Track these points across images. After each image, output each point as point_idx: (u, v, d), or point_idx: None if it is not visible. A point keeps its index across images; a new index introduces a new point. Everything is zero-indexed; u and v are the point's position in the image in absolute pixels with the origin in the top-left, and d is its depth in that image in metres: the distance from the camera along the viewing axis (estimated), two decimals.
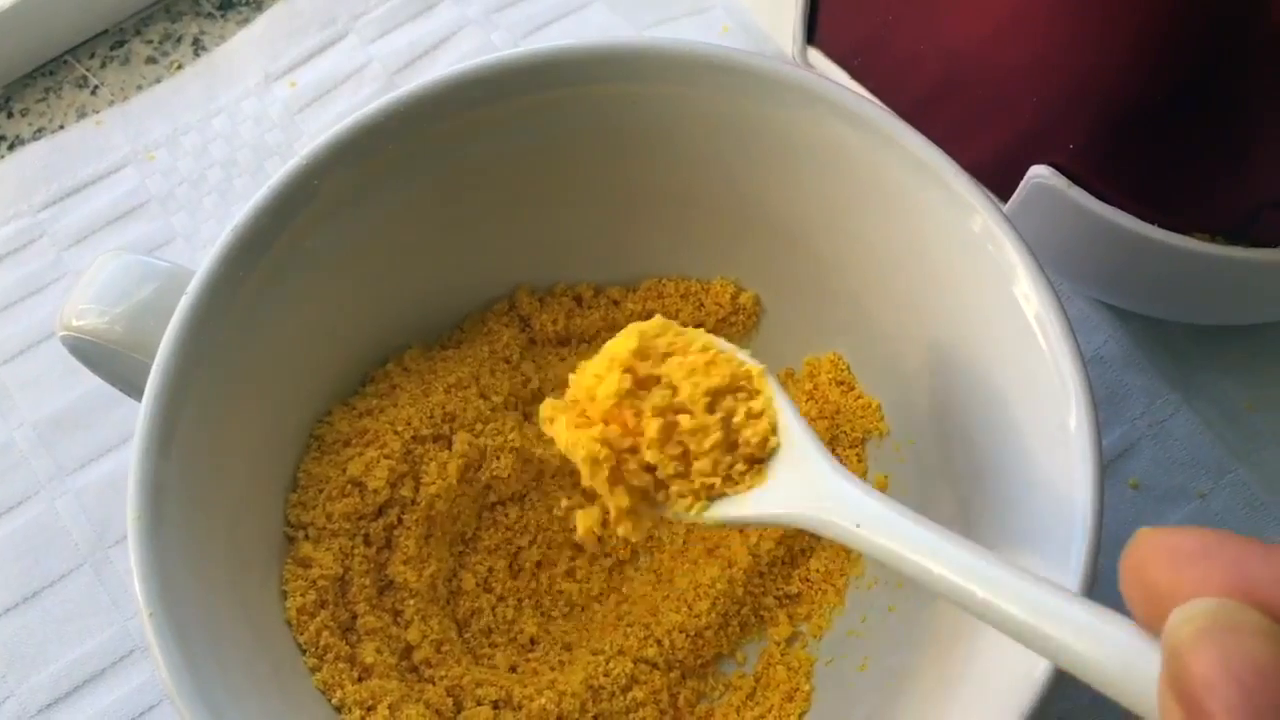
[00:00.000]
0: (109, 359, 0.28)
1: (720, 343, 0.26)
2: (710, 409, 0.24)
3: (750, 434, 0.24)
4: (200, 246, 0.39)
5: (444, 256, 0.32)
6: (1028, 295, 0.25)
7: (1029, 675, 0.23)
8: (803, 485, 0.24)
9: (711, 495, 0.24)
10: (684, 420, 0.24)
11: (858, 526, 0.22)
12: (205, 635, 0.25)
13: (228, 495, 0.27)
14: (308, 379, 0.30)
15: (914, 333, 0.30)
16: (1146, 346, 0.36)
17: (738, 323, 0.34)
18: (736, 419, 0.24)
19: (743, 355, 0.26)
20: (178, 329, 0.26)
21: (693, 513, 0.24)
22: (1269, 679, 0.14)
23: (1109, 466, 0.35)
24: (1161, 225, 0.30)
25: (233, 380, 0.27)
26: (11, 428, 0.36)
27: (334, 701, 0.28)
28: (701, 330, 0.26)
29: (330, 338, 0.31)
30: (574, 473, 0.27)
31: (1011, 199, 0.32)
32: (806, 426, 0.24)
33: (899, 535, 0.21)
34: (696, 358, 0.25)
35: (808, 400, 0.33)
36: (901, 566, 0.21)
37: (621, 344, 0.25)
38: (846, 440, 0.33)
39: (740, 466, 0.24)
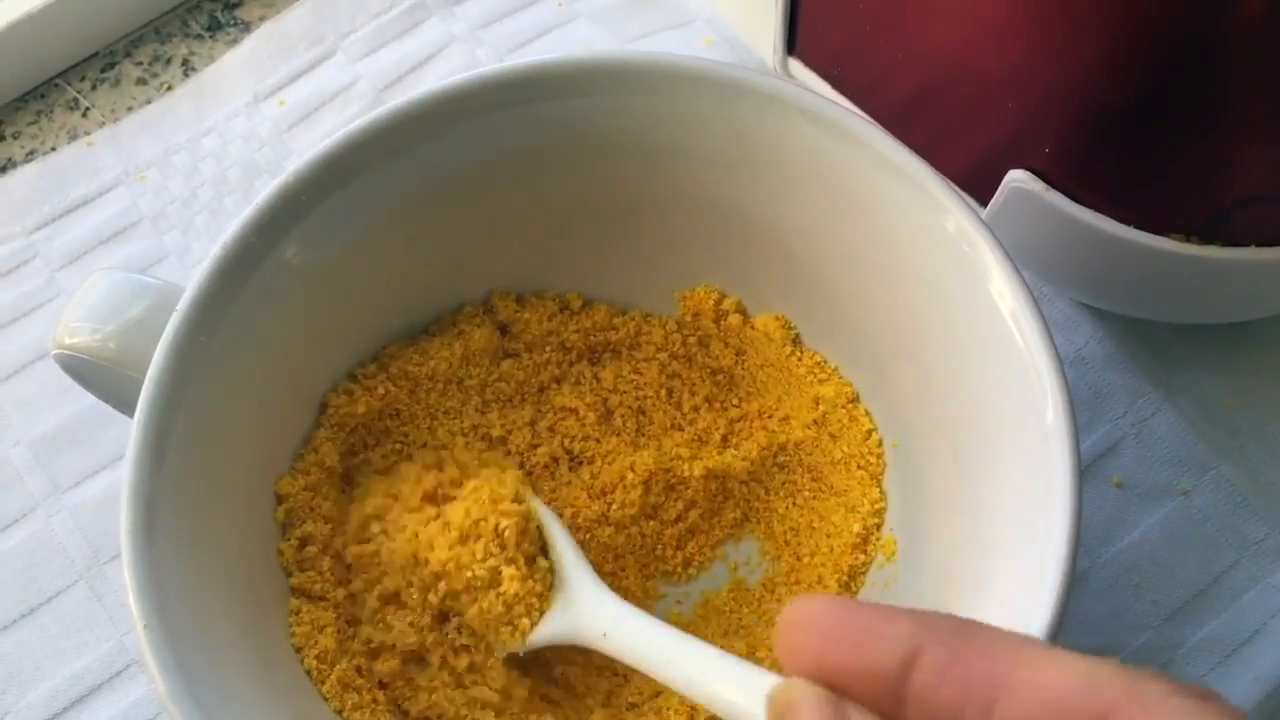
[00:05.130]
0: (102, 376, 0.28)
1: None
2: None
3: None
4: (192, 264, 0.40)
5: (428, 263, 0.33)
6: (1003, 293, 0.26)
7: None
8: (577, 609, 0.28)
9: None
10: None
11: (604, 637, 0.27)
12: (201, 647, 0.25)
13: (221, 508, 0.28)
14: (296, 389, 0.31)
15: (894, 335, 0.31)
16: (1128, 346, 0.37)
17: (722, 329, 0.35)
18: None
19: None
20: (169, 345, 0.26)
21: (512, 645, 0.29)
22: None
23: (1093, 465, 0.35)
24: (1137, 226, 0.30)
25: (223, 394, 0.28)
26: (7, 446, 0.37)
27: (337, 708, 0.28)
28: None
29: (317, 347, 0.31)
30: None
31: (990, 204, 0.32)
32: (575, 550, 0.29)
33: (635, 642, 0.27)
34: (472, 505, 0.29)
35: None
36: (637, 666, 0.26)
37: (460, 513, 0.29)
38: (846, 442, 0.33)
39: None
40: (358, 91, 0.43)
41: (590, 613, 0.28)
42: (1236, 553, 0.34)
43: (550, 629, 0.28)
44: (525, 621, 0.28)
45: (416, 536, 0.29)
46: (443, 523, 0.29)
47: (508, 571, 0.28)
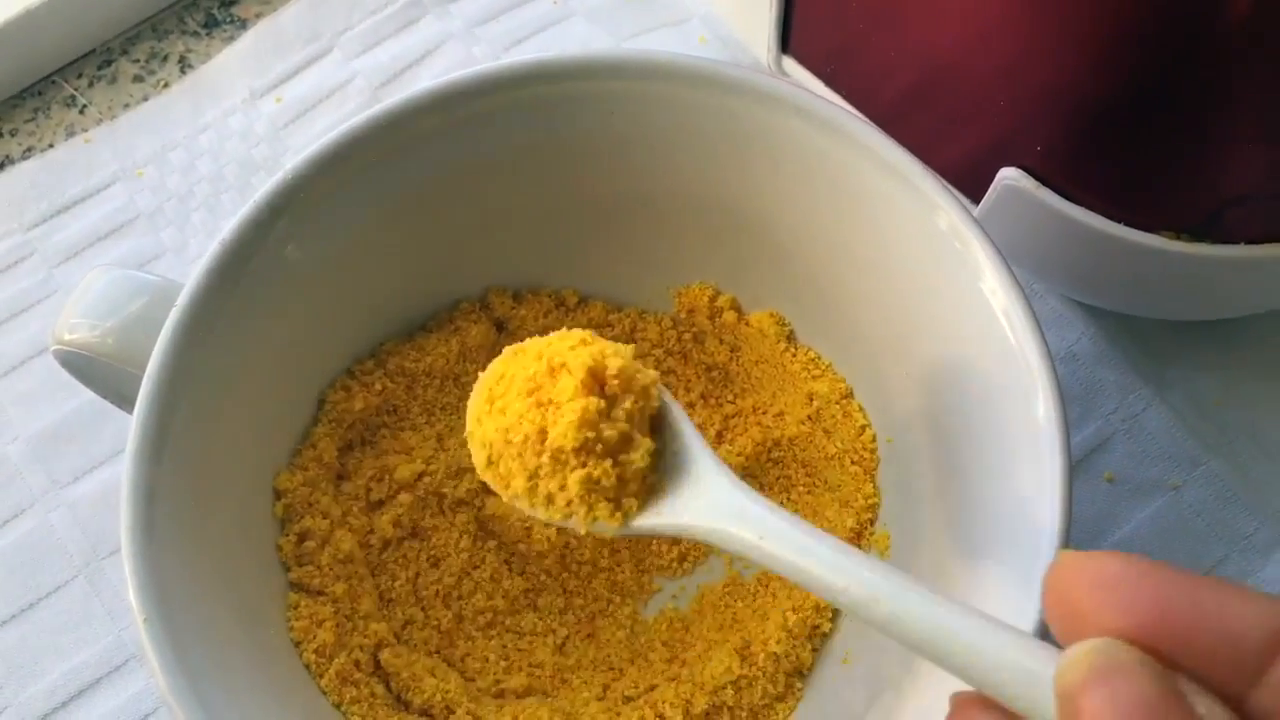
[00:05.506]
0: (101, 372, 0.29)
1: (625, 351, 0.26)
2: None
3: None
4: (189, 260, 0.40)
5: (425, 260, 0.33)
6: (994, 290, 0.26)
7: None
8: (705, 499, 0.24)
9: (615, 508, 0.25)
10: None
11: (760, 539, 0.23)
12: (200, 642, 0.25)
13: (220, 503, 0.28)
14: (295, 385, 0.31)
15: (887, 331, 0.31)
16: (1119, 343, 0.37)
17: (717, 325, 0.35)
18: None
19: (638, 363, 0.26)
20: (168, 341, 0.27)
21: (603, 524, 0.25)
22: (1155, 713, 0.15)
23: (1085, 461, 0.36)
24: (1128, 224, 0.31)
25: (222, 390, 0.28)
26: (5, 442, 0.37)
27: (335, 702, 0.28)
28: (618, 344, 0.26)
29: (315, 344, 0.31)
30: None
31: (983, 201, 0.33)
32: (705, 445, 0.25)
33: (801, 548, 0.22)
34: (624, 363, 0.25)
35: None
36: (804, 580, 0.22)
37: (561, 344, 0.25)
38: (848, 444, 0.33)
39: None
40: (354, 88, 0.43)
41: (728, 506, 0.24)
42: (1226, 547, 0.34)
43: (662, 517, 0.25)
44: (632, 502, 0.25)
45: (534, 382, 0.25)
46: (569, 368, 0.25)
47: (643, 442, 0.25)
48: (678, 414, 0.26)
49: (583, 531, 0.25)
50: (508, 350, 0.27)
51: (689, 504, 0.24)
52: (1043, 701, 0.17)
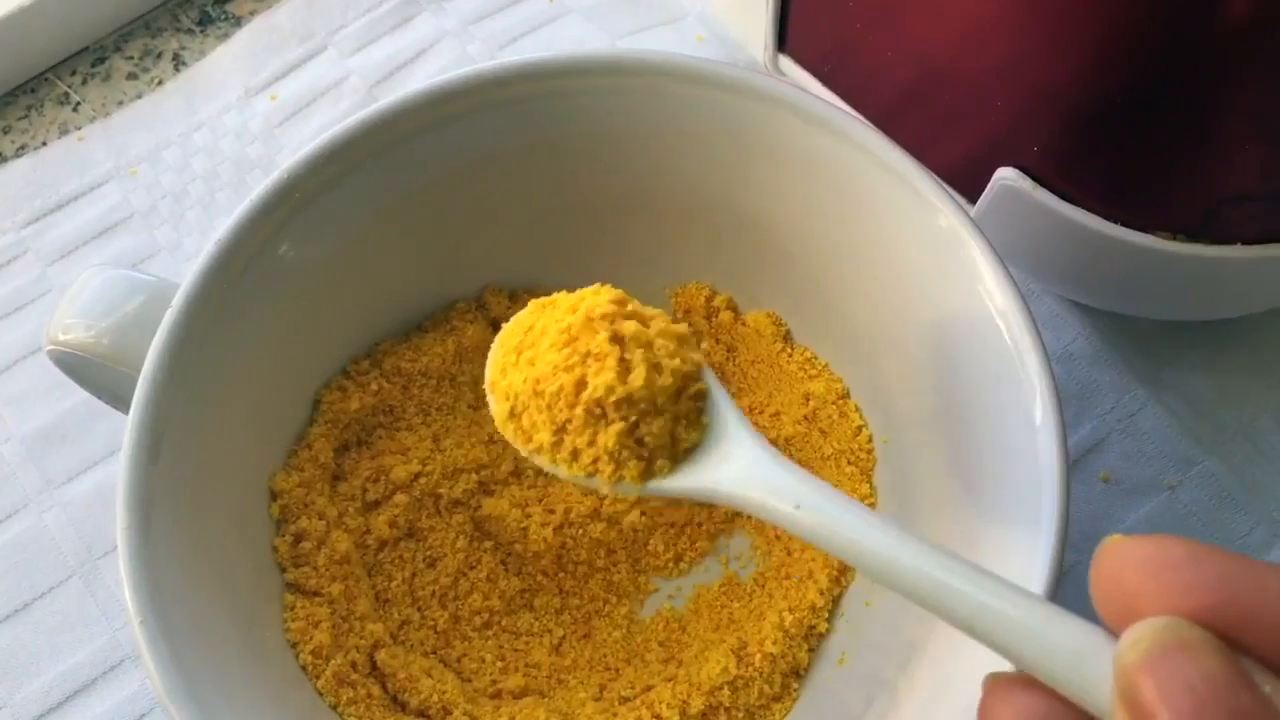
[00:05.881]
0: (95, 372, 0.29)
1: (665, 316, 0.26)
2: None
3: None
4: (184, 259, 0.40)
5: (421, 260, 0.33)
6: (992, 291, 0.26)
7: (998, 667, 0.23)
8: (739, 465, 0.24)
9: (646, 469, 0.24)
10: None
11: (797, 508, 0.22)
12: (196, 643, 0.25)
13: (216, 503, 0.28)
14: (291, 385, 0.31)
15: (884, 331, 0.31)
16: (1115, 343, 0.37)
17: (714, 325, 0.35)
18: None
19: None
20: (163, 341, 0.27)
21: (628, 484, 0.24)
22: (1221, 692, 0.15)
23: (1081, 460, 0.36)
24: (1124, 224, 0.31)
25: (218, 390, 0.28)
26: None
27: (332, 703, 0.28)
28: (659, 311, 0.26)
29: (311, 343, 0.31)
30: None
31: (979, 201, 0.33)
32: (740, 413, 0.25)
33: (840, 522, 0.21)
34: (665, 324, 0.25)
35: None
36: (842, 554, 0.21)
37: (598, 298, 0.25)
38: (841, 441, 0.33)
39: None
40: (349, 87, 0.43)
41: (763, 475, 0.23)
42: None
43: (692, 480, 0.24)
44: (665, 464, 0.24)
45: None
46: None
47: (695, 390, 0.24)
48: (711, 381, 0.25)
49: (605, 490, 0.24)
50: (534, 303, 0.26)
51: (722, 470, 0.24)
52: (1094, 682, 0.16)
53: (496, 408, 0.26)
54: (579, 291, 0.26)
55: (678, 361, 0.24)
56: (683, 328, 0.25)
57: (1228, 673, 0.15)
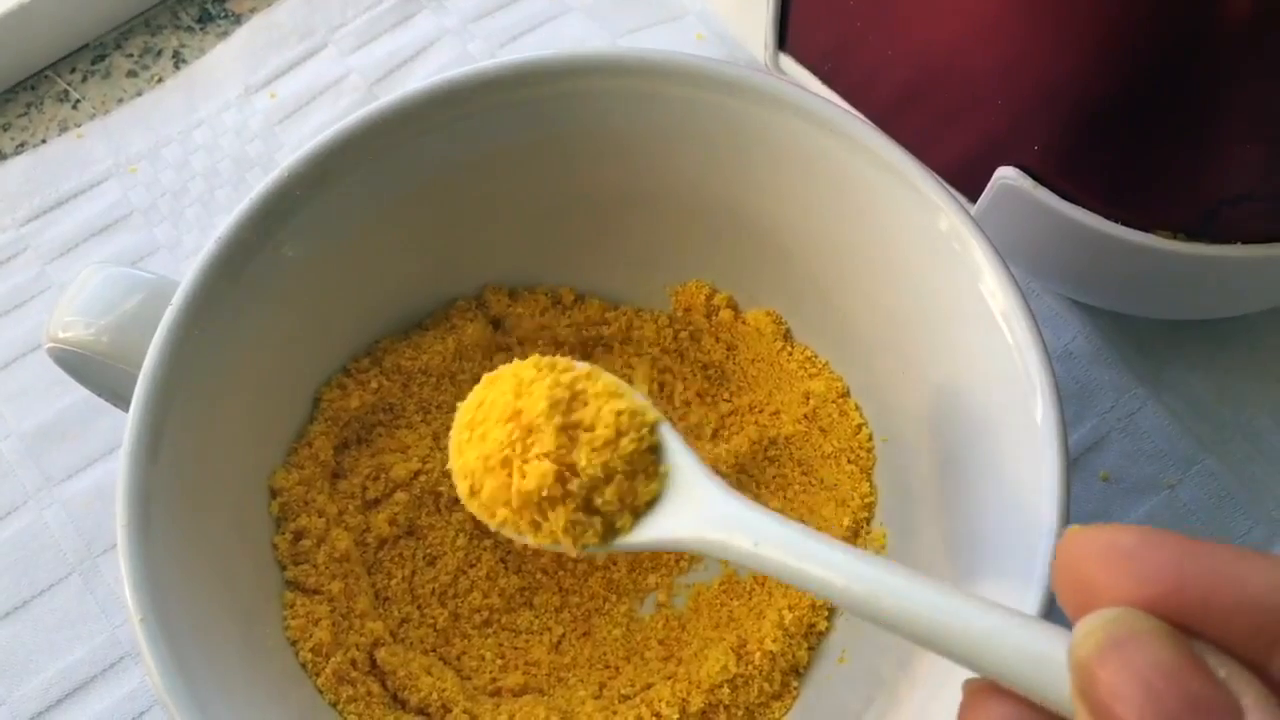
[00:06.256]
0: (95, 370, 0.29)
1: (607, 377, 0.26)
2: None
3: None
4: (183, 257, 0.40)
5: (421, 258, 0.33)
6: (993, 292, 0.26)
7: None
8: (697, 510, 0.24)
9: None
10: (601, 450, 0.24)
11: (756, 545, 0.22)
12: (196, 640, 0.25)
13: (216, 501, 0.28)
14: (290, 383, 0.31)
15: (884, 330, 0.31)
16: (1115, 342, 0.37)
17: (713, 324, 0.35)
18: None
19: (611, 379, 0.26)
20: (163, 339, 0.26)
21: (595, 545, 0.25)
22: (1174, 680, 0.14)
23: (1081, 459, 0.36)
24: (1125, 223, 0.31)
25: (218, 388, 0.28)
26: None
27: (331, 701, 0.28)
28: (597, 368, 0.26)
29: (311, 341, 0.31)
30: None
31: (980, 200, 0.33)
32: (695, 457, 0.25)
33: (799, 551, 0.22)
34: (605, 385, 0.25)
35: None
36: (804, 583, 0.21)
37: (540, 389, 0.25)
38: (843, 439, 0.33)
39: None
40: (349, 84, 0.43)
41: (721, 516, 0.23)
42: None
43: (655, 532, 0.24)
44: (627, 520, 0.24)
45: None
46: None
47: (627, 442, 0.24)
48: (667, 431, 0.25)
49: (574, 554, 0.25)
50: (486, 377, 0.26)
51: (681, 517, 0.24)
52: (1055, 683, 0.16)
53: (459, 487, 0.26)
54: (524, 362, 0.26)
55: (627, 440, 0.24)
56: (622, 386, 0.25)
57: (1179, 660, 0.15)
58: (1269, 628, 0.15)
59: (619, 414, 0.25)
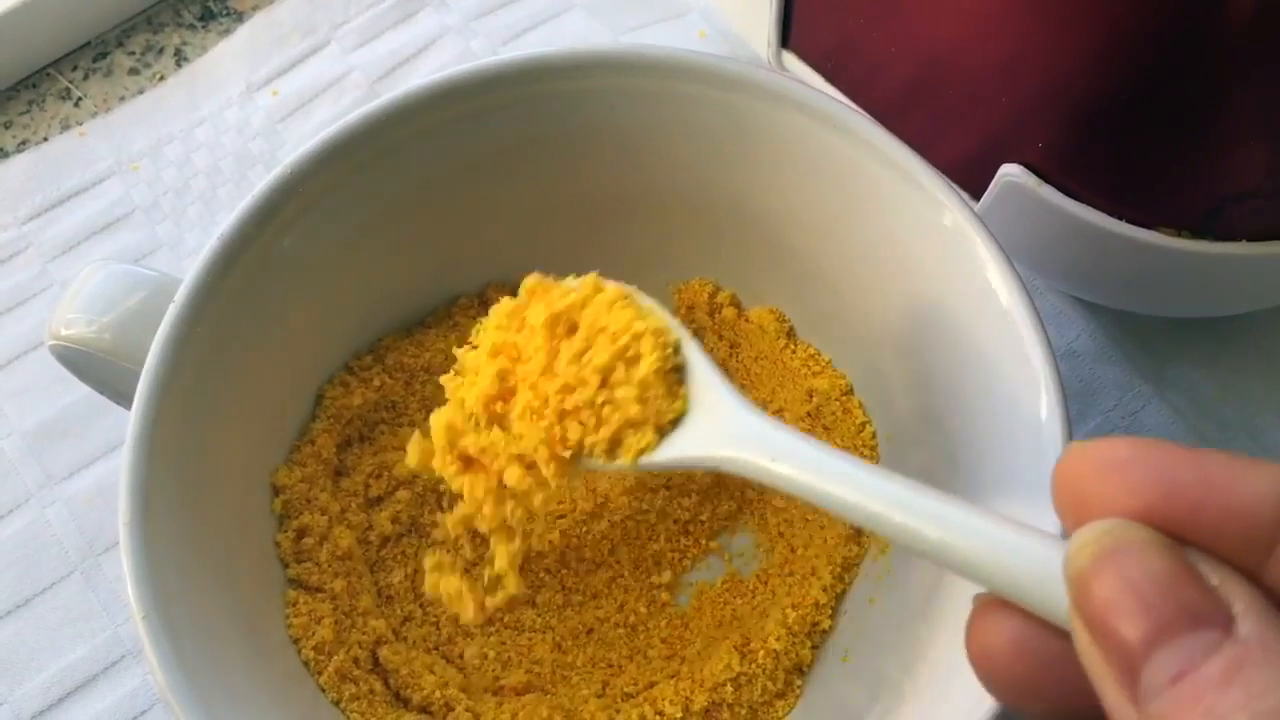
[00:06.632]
0: (98, 367, 0.28)
1: (611, 286, 0.26)
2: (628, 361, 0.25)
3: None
4: (185, 255, 0.40)
5: (424, 255, 0.33)
6: (997, 289, 0.26)
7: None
8: (716, 427, 0.24)
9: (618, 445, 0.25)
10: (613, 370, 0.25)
11: (773, 460, 0.22)
12: (199, 638, 0.25)
13: (218, 499, 0.28)
14: (293, 381, 0.31)
15: (887, 328, 0.31)
16: (1119, 340, 0.37)
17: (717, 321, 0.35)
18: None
19: (645, 300, 0.26)
20: (166, 336, 0.26)
21: (618, 461, 0.25)
22: (1167, 588, 0.15)
23: None
24: (1129, 221, 0.31)
25: (220, 385, 0.28)
26: (0, 437, 0.37)
27: (334, 699, 0.28)
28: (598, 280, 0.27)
29: (313, 339, 0.31)
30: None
31: (984, 197, 0.33)
32: (719, 375, 0.25)
33: (814, 466, 0.22)
34: (613, 312, 0.26)
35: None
36: (819, 498, 0.21)
37: (536, 309, 0.26)
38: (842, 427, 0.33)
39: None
40: (351, 82, 0.43)
41: (740, 432, 0.23)
42: None
43: (677, 451, 0.24)
44: (652, 439, 0.24)
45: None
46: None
47: (648, 362, 0.25)
48: (691, 349, 0.25)
49: (616, 470, 0.25)
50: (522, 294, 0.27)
51: (701, 435, 0.24)
52: (1054, 595, 0.16)
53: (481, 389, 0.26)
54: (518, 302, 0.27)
55: (651, 360, 0.25)
56: (644, 312, 0.26)
57: (1172, 569, 0.15)
58: (1261, 534, 0.14)
59: (638, 335, 0.25)
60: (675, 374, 0.25)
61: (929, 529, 0.19)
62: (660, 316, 0.26)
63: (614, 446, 0.25)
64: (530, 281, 0.27)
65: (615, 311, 0.26)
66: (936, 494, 0.20)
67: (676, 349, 0.25)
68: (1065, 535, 0.17)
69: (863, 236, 0.30)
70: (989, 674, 0.18)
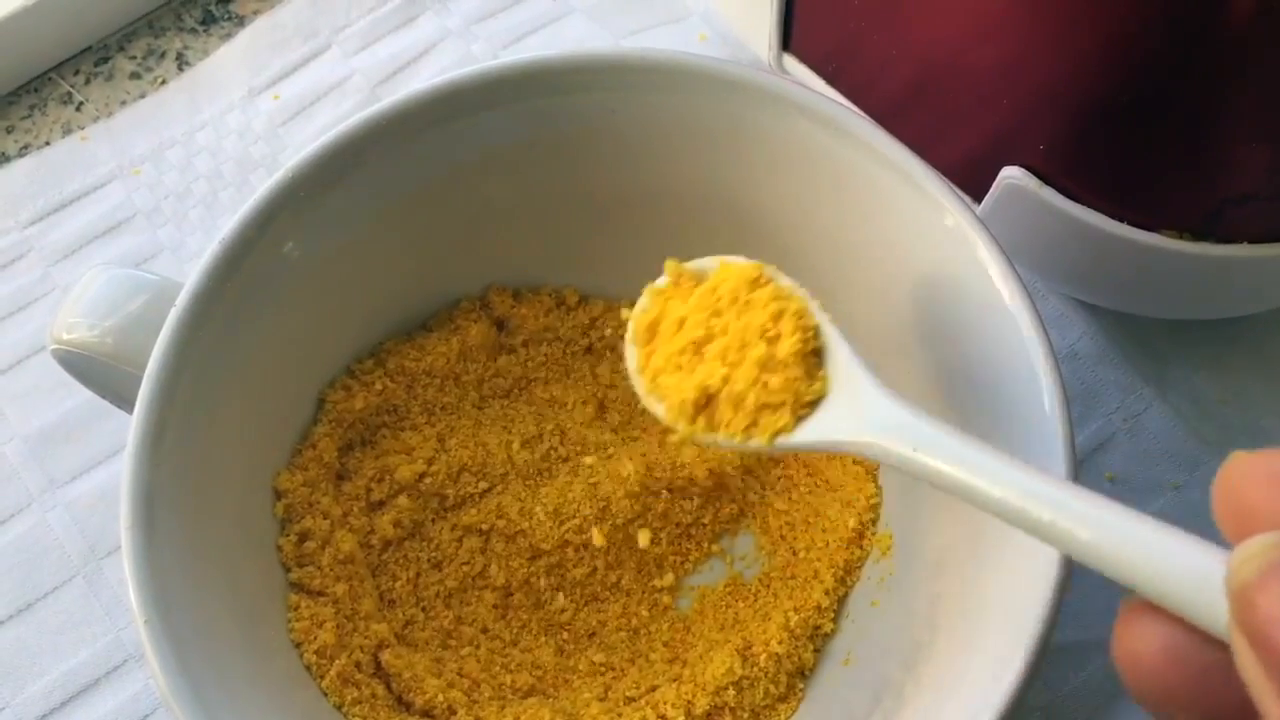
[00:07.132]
0: (99, 372, 0.29)
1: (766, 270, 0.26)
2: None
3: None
4: (187, 259, 0.40)
5: (425, 259, 0.33)
6: (999, 291, 0.26)
7: (1004, 667, 0.23)
8: (857, 412, 0.24)
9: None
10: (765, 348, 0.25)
11: (914, 450, 0.22)
12: (201, 642, 0.25)
13: (220, 503, 0.28)
14: (295, 385, 0.31)
15: (889, 330, 0.31)
16: (1120, 342, 0.37)
17: None
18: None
19: (784, 280, 0.26)
20: (168, 340, 0.26)
21: (753, 441, 0.25)
22: None
23: (1086, 460, 0.35)
24: (1130, 223, 0.31)
25: (222, 389, 0.28)
26: (2, 441, 0.37)
27: (336, 703, 0.28)
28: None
29: (315, 343, 0.31)
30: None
31: (985, 200, 0.33)
32: (859, 359, 0.25)
33: (956, 458, 0.21)
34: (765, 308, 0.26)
35: None
36: (961, 491, 0.21)
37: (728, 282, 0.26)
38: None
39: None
40: (352, 86, 0.43)
41: (882, 419, 0.23)
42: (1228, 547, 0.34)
43: (815, 434, 0.24)
44: (788, 421, 0.24)
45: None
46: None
47: (789, 343, 0.25)
48: (830, 331, 0.25)
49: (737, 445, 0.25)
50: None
51: (841, 419, 0.24)
52: (1212, 605, 0.16)
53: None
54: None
55: (791, 342, 0.25)
56: (783, 295, 0.26)
57: None
58: None
59: (777, 315, 0.25)
60: (814, 357, 0.25)
61: (1080, 530, 0.19)
62: (801, 297, 0.26)
63: (749, 426, 0.25)
64: (670, 266, 0.27)
65: (756, 291, 0.26)
66: (1088, 493, 0.19)
67: (816, 332, 0.25)
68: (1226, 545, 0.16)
69: (863, 239, 0.30)
70: (1138, 681, 0.17)
